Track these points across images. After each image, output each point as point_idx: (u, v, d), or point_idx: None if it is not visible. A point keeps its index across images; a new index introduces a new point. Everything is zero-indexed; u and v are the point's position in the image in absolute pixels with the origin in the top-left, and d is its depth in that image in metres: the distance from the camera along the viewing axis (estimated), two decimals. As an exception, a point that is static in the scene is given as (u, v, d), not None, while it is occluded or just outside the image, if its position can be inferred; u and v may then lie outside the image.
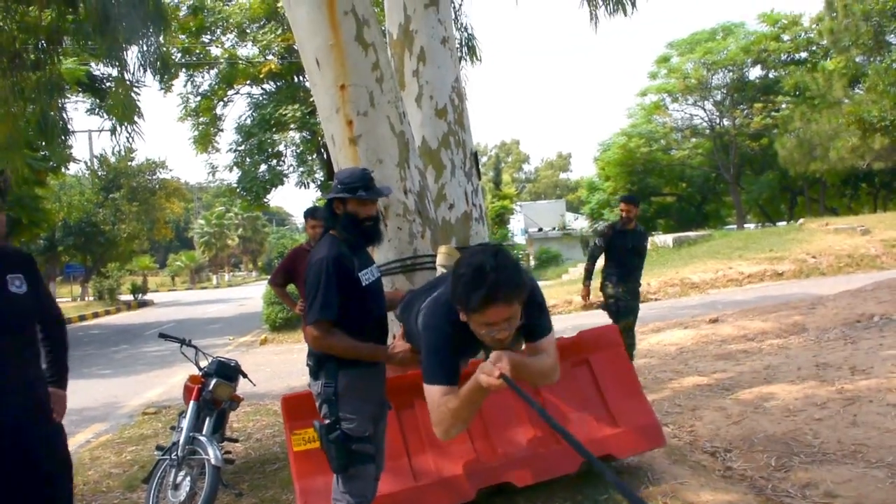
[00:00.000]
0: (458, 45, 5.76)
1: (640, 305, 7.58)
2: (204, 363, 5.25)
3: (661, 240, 30.69)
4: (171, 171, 64.51)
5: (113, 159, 37.64)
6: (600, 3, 5.78)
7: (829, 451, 4.41)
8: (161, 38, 6.80)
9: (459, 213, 4.99)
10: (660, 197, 46.09)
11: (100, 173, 40.36)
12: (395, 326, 3.59)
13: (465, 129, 5.25)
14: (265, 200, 29.28)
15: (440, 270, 3.94)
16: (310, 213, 5.52)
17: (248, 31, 27.45)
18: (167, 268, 72.04)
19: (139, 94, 8.29)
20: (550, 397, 4.16)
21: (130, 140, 8.91)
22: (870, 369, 6.24)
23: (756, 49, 35.97)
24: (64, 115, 6.77)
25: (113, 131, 8.31)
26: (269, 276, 7.42)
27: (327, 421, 3.04)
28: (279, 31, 26.76)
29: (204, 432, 4.80)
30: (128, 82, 7.65)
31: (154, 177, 45.79)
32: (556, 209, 54.19)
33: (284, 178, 28.80)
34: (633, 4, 5.36)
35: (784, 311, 10.85)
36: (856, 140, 24.30)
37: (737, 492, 3.97)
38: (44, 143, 6.83)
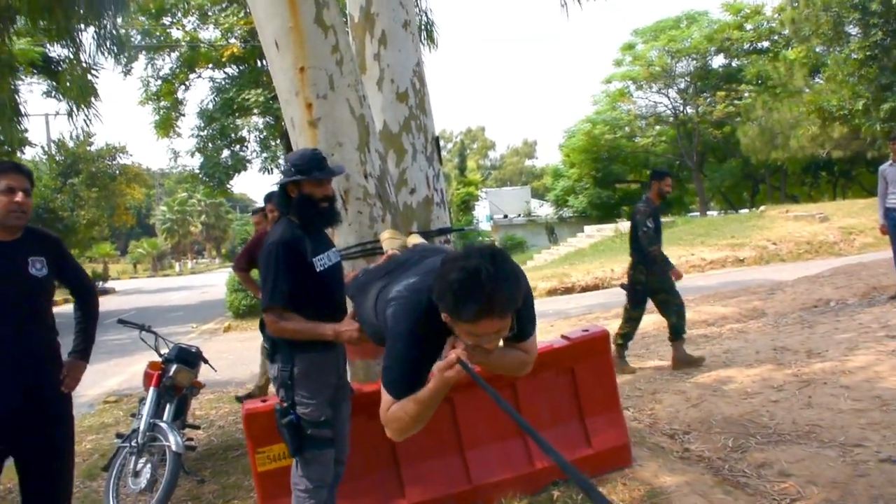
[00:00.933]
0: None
1: (604, 291, 7.44)
2: (164, 349, 5.19)
3: (625, 226, 30.95)
4: (131, 156, 63.30)
5: (71, 144, 36.90)
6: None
7: (784, 433, 4.49)
8: (118, 19, 6.62)
9: (421, 197, 4.95)
10: (624, 184, 46.43)
11: (57, 158, 39.59)
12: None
13: (426, 114, 5.21)
14: (228, 186, 28.94)
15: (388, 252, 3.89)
16: (267, 198, 5.46)
17: (209, 13, 27.02)
18: (128, 255, 71.04)
19: (97, 77, 8.11)
20: (529, 406, 4.07)
21: (88, 123, 8.73)
22: (825, 352, 6.36)
23: (719, 38, 36.29)
24: (16, 97, 6.60)
25: (70, 115, 8.10)
26: (232, 263, 7.31)
27: (283, 404, 3.02)
28: (241, 14, 26.39)
29: (164, 419, 4.75)
30: (84, 64, 7.49)
31: (114, 162, 44.94)
32: (521, 196, 54.37)
33: (248, 164, 28.49)
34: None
35: (744, 297, 11.02)
36: (816, 129, 24.68)
37: (694, 472, 4.02)
38: None
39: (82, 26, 6.87)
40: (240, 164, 28.08)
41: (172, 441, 4.47)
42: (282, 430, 3.03)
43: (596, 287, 16.67)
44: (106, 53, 7.34)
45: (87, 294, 3.45)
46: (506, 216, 47.45)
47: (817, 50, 25.06)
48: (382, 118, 4.87)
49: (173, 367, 4.91)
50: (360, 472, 3.68)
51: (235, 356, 11.57)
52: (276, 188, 3.30)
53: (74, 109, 7.23)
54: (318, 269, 3.03)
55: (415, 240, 4.30)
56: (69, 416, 3.27)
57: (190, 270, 62.74)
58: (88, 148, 41.14)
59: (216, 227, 78.10)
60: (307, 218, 3.06)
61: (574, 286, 16.72)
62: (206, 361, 5.30)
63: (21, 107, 6.81)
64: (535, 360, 2.41)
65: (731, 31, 36.00)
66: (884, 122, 19.53)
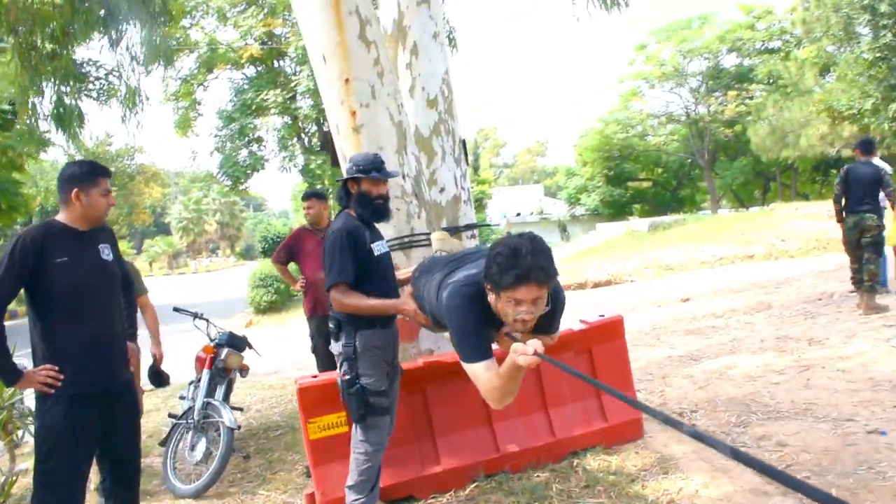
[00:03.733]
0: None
1: (617, 286, 7.81)
2: (214, 334, 5.67)
3: (636, 224, 31.33)
4: (149, 155, 64.31)
5: (91, 144, 37.54)
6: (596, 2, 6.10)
7: (782, 410, 4.91)
8: (161, 28, 7.07)
9: (449, 195, 5.38)
10: (636, 182, 46.81)
11: (77, 158, 40.18)
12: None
13: (454, 118, 5.65)
14: (245, 185, 29.43)
15: (438, 254, 4.34)
16: (307, 196, 5.89)
17: (228, 15, 27.48)
18: (143, 253, 71.77)
19: (122, 80, 8.44)
20: (551, 383, 4.50)
21: (137, 127, 9.06)
22: (825, 340, 6.77)
23: (731, 38, 36.63)
24: (79, 103, 7.08)
25: (122, 119, 8.34)
26: (247, 261, 7.66)
27: (347, 377, 3.45)
28: (260, 17, 26.88)
29: (216, 398, 5.22)
30: (121, 71, 7.88)
31: (132, 162, 45.68)
32: (533, 194, 54.78)
33: (265, 163, 28.98)
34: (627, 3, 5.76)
35: (752, 291, 11.41)
36: (825, 128, 24.97)
37: (700, 444, 4.45)
38: (60, 131, 7.04)
39: (122, 34, 7.30)
40: (257, 164, 28.59)
41: (226, 417, 4.94)
42: (348, 399, 3.43)
43: (609, 283, 17.07)
44: (130, 56, 7.68)
45: (130, 284, 3.80)
46: (518, 214, 47.84)
47: (828, 50, 25.30)
48: (414, 123, 5.31)
49: (224, 351, 5.38)
50: (401, 440, 4.12)
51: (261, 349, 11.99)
52: (302, 187, 3.71)
53: (126, 114, 7.65)
54: (376, 254, 3.48)
55: (439, 236, 4.76)
56: (136, 393, 3.65)
57: (205, 269, 63.30)
58: (108, 148, 41.88)
59: (231, 225, 78.70)
60: (364, 211, 3.51)
61: (587, 282, 17.13)
62: (251, 347, 5.77)
63: (83, 113, 7.21)
64: (557, 342, 2.89)
65: (743, 31, 36.32)
66: (892, 121, 19.84)
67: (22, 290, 3.15)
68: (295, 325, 16.58)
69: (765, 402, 5.12)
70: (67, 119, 6.69)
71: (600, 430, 4.48)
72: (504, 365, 2.36)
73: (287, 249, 5.98)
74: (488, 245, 3.76)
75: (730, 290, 12.11)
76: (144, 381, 4.59)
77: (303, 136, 30.18)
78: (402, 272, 3.95)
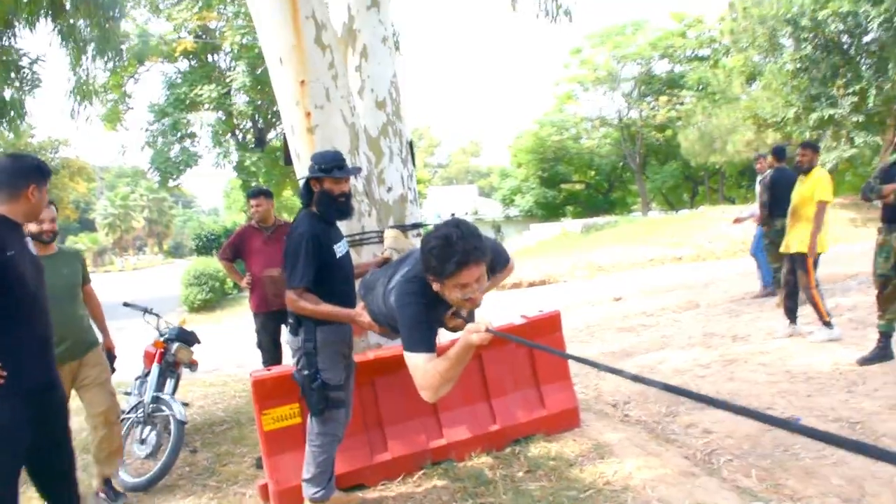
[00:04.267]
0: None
1: (551, 286, 7.97)
2: (163, 329, 5.72)
3: (570, 225, 32.00)
4: (73, 149, 62.18)
5: (10, 136, 36.28)
6: (542, 12, 6.35)
7: (709, 401, 5.25)
8: (113, 22, 7.03)
9: (396, 195, 5.56)
10: (569, 184, 47.69)
11: (-2, 150, 38.75)
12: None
13: (401, 120, 5.83)
14: (177, 182, 28.94)
15: (388, 251, 4.51)
16: (253, 194, 5.96)
17: (161, 6, 26.95)
18: (68, 249, 69.50)
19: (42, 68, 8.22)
20: (494, 374, 4.73)
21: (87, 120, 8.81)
22: (748, 337, 7.20)
23: (663, 45, 37.71)
24: (22, 97, 6.97)
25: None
26: (175, 259, 7.63)
27: (306, 371, 3.57)
28: (195, 10, 26.45)
29: (166, 392, 5.28)
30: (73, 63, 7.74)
31: (56, 155, 44.20)
32: (468, 194, 55.24)
33: (198, 159, 28.54)
34: (569, 16, 6.02)
35: (681, 291, 11.92)
36: (751, 135, 25.99)
37: (633, 431, 4.76)
38: None
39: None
40: (191, 160, 28.14)
41: (177, 411, 5.02)
42: (309, 393, 3.55)
43: (543, 283, 17.48)
44: (77, 47, 7.59)
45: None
46: (453, 214, 48.14)
47: (754, 59, 26.26)
48: (363, 124, 5.48)
49: (175, 346, 5.44)
50: (351, 430, 4.28)
51: (195, 348, 11.91)
52: (233, 184, 3.81)
53: (75, 108, 7.53)
54: (337, 256, 3.63)
55: (392, 234, 4.95)
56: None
57: (132, 266, 61.56)
58: (30, 140, 40.44)
59: (159, 222, 77.08)
60: (326, 210, 3.64)
61: (522, 282, 17.49)
62: (198, 342, 5.84)
63: None
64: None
65: (674, 39, 37.43)
66: (812, 130, 20.76)
67: None
68: (231, 323, 16.48)
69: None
70: (7, 112, 6.61)
71: (540, 419, 4.72)
72: (456, 346, 2.44)
73: (233, 247, 6.03)
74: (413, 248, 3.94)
75: (660, 289, 12.60)
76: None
77: (237, 132, 29.89)
78: (363, 265, 4.11)
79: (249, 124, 29.74)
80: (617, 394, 5.80)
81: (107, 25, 6.65)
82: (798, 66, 20.83)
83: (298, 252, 3.48)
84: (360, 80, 5.63)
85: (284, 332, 4.17)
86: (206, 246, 26.58)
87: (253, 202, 6.01)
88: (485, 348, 3.18)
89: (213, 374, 9.50)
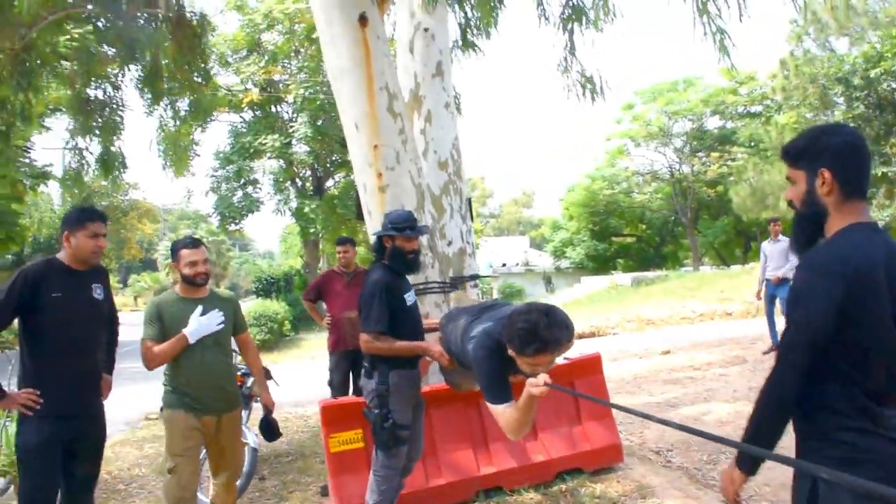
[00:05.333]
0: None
1: (600, 338, 8.20)
2: (241, 364, 6.23)
3: (620, 278, 32.09)
4: (143, 192, 64.69)
5: (87, 178, 37.86)
6: (579, 91, 6.85)
7: (748, 450, 5.52)
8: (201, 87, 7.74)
9: (456, 248, 6.03)
10: (620, 237, 47.75)
11: (73, 191, 40.40)
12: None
13: (461, 179, 6.33)
14: (239, 226, 29.94)
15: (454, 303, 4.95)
16: (343, 241, 6.55)
17: (230, 60, 28.27)
18: (129, 287, 71.64)
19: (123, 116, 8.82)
20: (540, 410, 5.13)
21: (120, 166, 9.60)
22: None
23: (714, 101, 37.87)
24: (122, 150, 7.70)
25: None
26: (302, 294, 8.15)
27: (377, 410, 3.93)
28: (262, 64, 27.70)
29: (242, 422, 5.74)
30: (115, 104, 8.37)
31: (126, 197, 46.06)
32: (519, 245, 55.57)
33: (260, 205, 29.55)
34: (603, 95, 6.49)
35: (728, 346, 12.07)
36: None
37: (675, 476, 5.06)
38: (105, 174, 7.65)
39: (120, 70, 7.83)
40: (253, 205, 29.16)
41: (251, 439, 5.48)
42: (380, 431, 3.90)
43: (592, 335, 17.68)
44: (136, 93, 8.25)
45: (115, 320, 4.18)
46: (504, 265, 48.49)
47: (806, 116, 26.34)
48: (427, 183, 5.97)
49: (251, 380, 5.93)
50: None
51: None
52: (291, 230, 4.25)
53: (165, 163, 8.20)
54: (407, 304, 4.07)
55: (456, 296, 5.40)
56: (104, 420, 3.96)
57: (191, 307, 62.73)
58: (103, 182, 42.26)
59: (217, 263, 78.74)
60: (396, 264, 4.10)
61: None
62: (272, 378, 6.32)
63: (125, 160, 7.79)
64: None
65: (726, 95, 37.55)
66: (864, 189, 20.76)
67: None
68: (288, 364, 17.00)
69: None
70: (111, 164, 7.31)
71: (583, 453, 5.09)
72: (521, 398, 2.81)
73: (317, 288, 6.58)
74: (497, 298, 4.38)
75: (708, 344, 12.76)
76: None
77: (297, 180, 30.93)
78: (428, 321, 4.54)
79: (309, 173, 30.76)
80: (661, 441, 6.09)
81: (196, 92, 7.36)
82: (850, 124, 20.91)
83: (372, 299, 3.91)
84: (424, 142, 6.15)
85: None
86: (265, 289, 27.38)
87: (340, 248, 6.58)
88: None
89: (275, 412, 9.95)
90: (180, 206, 78.52)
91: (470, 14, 5.54)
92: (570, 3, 5.94)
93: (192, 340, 3.88)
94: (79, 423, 3.64)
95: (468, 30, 5.54)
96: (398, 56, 6.14)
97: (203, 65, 7.43)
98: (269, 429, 4.84)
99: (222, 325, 4.05)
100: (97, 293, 3.77)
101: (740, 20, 5.34)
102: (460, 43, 5.61)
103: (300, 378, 12.31)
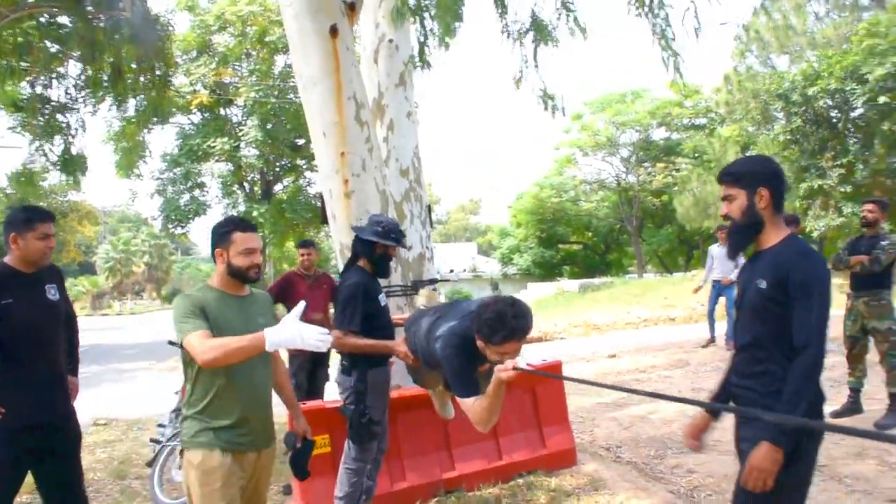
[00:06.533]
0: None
1: (548, 343, 8.36)
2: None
3: (567, 285, 32.66)
4: (83, 193, 62.93)
5: (23, 179, 36.88)
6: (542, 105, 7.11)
7: (693, 447, 5.84)
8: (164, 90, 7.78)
9: (416, 254, 6.21)
10: (567, 245, 48.54)
11: (8, 192, 39.42)
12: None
13: (421, 186, 6.53)
14: (185, 229, 29.57)
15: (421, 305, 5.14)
16: (306, 244, 6.67)
17: (179, 61, 27.97)
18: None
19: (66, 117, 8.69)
20: (502, 418, 5.31)
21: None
22: (732, 393, 7.80)
23: (661, 113, 38.86)
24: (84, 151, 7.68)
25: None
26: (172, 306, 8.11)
27: (353, 406, 4.12)
28: (212, 65, 27.45)
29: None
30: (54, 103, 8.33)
31: (66, 199, 44.97)
32: (467, 252, 55.96)
33: (207, 208, 29.26)
34: (563, 112, 6.77)
35: (671, 349, 12.51)
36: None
37: (625, 470, 5.35)
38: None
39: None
40: (200, 209, 28.88)
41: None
42: (357, 426, 4.09)
43: (540, 340, 18.02)
44: (78, 94, 8.25)
45: (73, 320, 4.01)
46: (452, 270, 48.71)
47: (748, 130, 27.27)
48: (389, 189, 6.16)
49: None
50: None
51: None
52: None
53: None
54: (381, 304, 4.27)
55: (426, 293, 5.59)
56: (76, 424, 3.81)
57: (129, 311, 61.65)
58: (42, 183, 41.17)
59: (159, 268, 77.46)
60: (379, 268, 4.29)
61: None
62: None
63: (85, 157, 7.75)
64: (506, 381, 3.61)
65: (672, 108, 38.57)
66: (802, 199, 21.54)
67: None
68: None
69: (678, 440, 6.04)
70: (74, 165, 7.31)
71: (541, 457, 5.32)
72: (490, 385, 2.91)
73: (278, 290, 6.68)
74: (457, 298, 4.60)
75: (652, 348, 13.20)
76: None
77: (245, 184, 30.74)
78: (397, 317, 4.73)
79: (258, 177, 30.60)
80: (610, 438, 6.38)
81: (160, 92, 7.42)
82: (789, 138, 21.73)
83: (350, 300, 4.10)
84: (386, 150, 6.33)
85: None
86: (212, 293, 27.02)
87: (304, 251, 6.70)
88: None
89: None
90: (121, 208, 77.07)
91: (431, 27, 5.72)
92: (532, 20, 6.19)
93: (269, 349, 2.81)
94: (46, 429, 3.52)
95: (425, 46, 5.72)
96: (362, 66, 6.31)
97: (167, 67, 7.48)
98: (301, 462, 3.55)
99: (322, 345, 2.82)
100: (51, 294, 3.62)
101: (696, 39, 5.66)
102: (417, 60, 5.79)
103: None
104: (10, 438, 3.37)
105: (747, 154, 29.63)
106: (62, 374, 3.69)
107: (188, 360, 3.01)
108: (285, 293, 6.56)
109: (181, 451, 3.10)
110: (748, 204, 2.68)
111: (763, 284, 2.58)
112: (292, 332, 2.78)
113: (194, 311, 2.94)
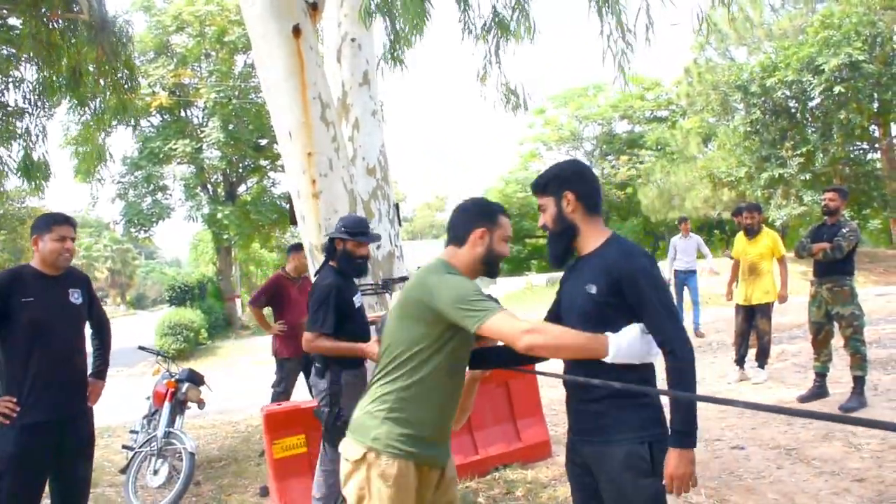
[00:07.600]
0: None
1: None
2: (174, 371, 6.26)
3: (535, 279, 32.84)
4: (41, 199, 61.69)
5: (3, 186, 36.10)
6: (502, 101, 7.13)
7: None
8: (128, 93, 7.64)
9: (385, 252, 6.19)
10: (534, 239, 48.76)
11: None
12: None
13: (388, 184, 6.51)
14: (149, 234, 29.13)
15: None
16: (297, 248, 6.65)
17: (137, 63, 27.50)
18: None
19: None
20: (475, 409, 5.35)
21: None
22: (702, 380, 7.91)
23: (623, 106, 39.19)
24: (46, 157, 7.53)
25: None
26: (138, 311, 8.11)
27: (328, 408, 4.12)
28: (170, 67, 27.10)
29: (176, 427, 5.79)
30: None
31: (23, 205, 44.07)
32: (434, 249, 55.98)
33: (171, 212, 28.87)
34: (526, 107, 6.81)
35: (640, 340, 12.68)
36: (708, 192, 27.20)
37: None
38: None
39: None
40: (163, 212, 28.47)
41: (188, 444, 5.53)
42: (333, 428, 4.07)
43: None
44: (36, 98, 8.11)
45: (106, 324, 4.24)
46: (419, 268, 48.67)
47: (709, 121, 27.66)
48: (357, 189, 6.14)
49: (185, 385, 5.97)
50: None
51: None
52: (200, 237, 4.34)
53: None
54: (356, 306, 4.25)
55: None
56: (91, 423, 3.95)
57: (94, 317, 60.47)
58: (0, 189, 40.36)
59: (122, 273, 76.42)
60: (346, 267, 4.27)
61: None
62: (205, 384, 6.38)
63: None
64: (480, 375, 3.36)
65: (634, 101, 38.92)
66: (764, 188, 21.88)
67: None
68: (207, 373, 16.77)
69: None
70: (34, 172, 7.17)
71: (517, 450, 5.36)
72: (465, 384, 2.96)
73: (267, 294, 6.64)
74: None
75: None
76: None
77: (209, 185, 30.37)
78: (371, 316, 4.73)
79: (221, 178, 30.25)
80: (583, 430, 6.45)
81: (119, 96, 7.30)
82: (749, 128, 22.07)
83: (322, 301, 4.09)
84: (352, 149, 6.31)
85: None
86: (179, 297, 26.71)
87: (293, 255, 6.68)
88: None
89: (200, 419, 9.91)
90: (81, 213, 75.69)
91: (399, 26, 5.72)
92: (494, 17, 6.22)
93: (609, 359, 2.46)
94: (60, 428, 3.60)
95: (396, 44, 5.72)
96: (325, 65, 6.29)
97: (128, 70, 7.37)
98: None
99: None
100: (74, 297, 3.77)
101: (648, 44, 5.76)
102: (389, 57, 5.78)
103: (219, 386, 12.20)
104: (16, 435, 3.48)
105: (715, 146, 30.14)
106: (78, 374, 3.81)
107: (404, 350, 2.67)
108: (275, 297, 6.58)
109: (364, 454, 2.65)
110: (557, 210, 2.59)
111: (593, 290, 2.47)
112: (630, 344, 2.50)
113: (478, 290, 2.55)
